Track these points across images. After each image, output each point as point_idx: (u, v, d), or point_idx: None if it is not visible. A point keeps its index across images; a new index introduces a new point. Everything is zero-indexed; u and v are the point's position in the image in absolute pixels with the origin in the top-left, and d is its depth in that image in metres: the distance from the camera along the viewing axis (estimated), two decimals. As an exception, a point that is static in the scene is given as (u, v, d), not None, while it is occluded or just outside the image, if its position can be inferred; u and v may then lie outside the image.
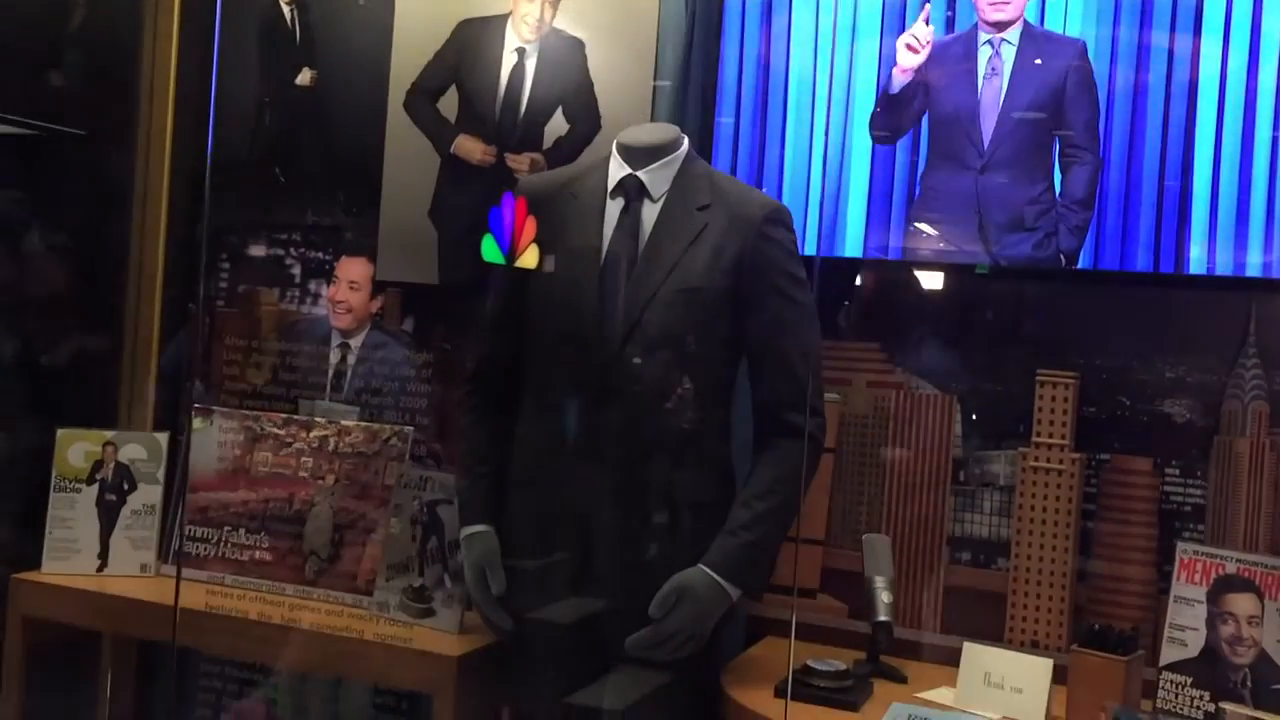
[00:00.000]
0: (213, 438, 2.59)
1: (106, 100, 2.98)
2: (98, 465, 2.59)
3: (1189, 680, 1.99)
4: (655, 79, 2.51)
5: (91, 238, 3.10)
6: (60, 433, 2.60)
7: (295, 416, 2.60)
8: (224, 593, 2.42)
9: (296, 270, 2.85)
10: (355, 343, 2.74)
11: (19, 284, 2.92)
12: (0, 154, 3.28)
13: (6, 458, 2.99)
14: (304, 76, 2.83)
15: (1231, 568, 2.00)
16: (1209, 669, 1.98)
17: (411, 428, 2.53)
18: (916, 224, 2.36)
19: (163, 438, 2.63)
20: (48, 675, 2.76)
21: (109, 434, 2.62)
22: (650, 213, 2.11)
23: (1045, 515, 2.28)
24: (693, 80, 2.50)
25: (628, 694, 2.16)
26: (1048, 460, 2.28)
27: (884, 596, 2.21)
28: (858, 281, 2.49)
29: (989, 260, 2.29)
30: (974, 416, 2.37)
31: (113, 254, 2.95)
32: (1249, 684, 1.93)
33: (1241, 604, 1.97)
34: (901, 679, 2.17)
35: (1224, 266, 2.15)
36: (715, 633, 2.09)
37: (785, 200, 2.34)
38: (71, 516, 2.56)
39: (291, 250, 2.85)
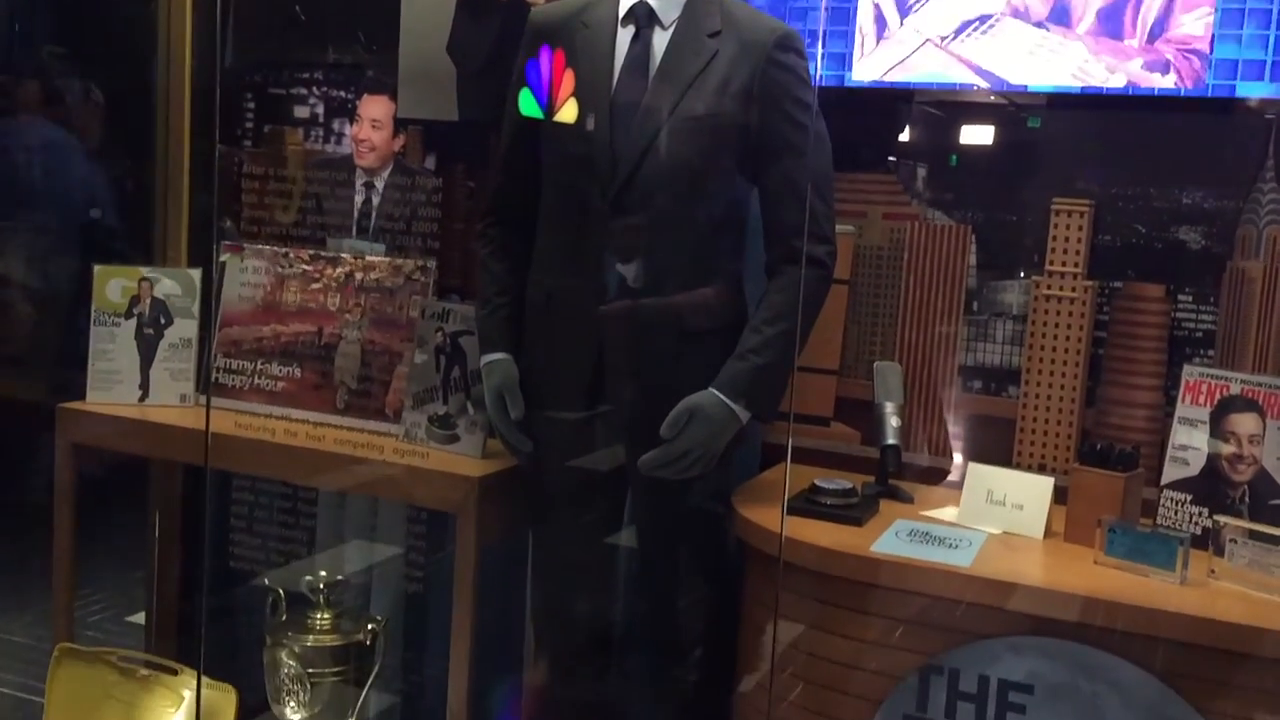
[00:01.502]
0: (243, 275, 2.66)
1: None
2: (134, 300, 2.68)
3: (1189, 498, 2.03)
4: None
5: (121, 86, 3.14)
6: (98, 269, 2.68)
7: (322, 253, 2.66)
8: (258, 422, 2.52)
9: (320, 109, 2.87)
10: (379, 180, 2.78)
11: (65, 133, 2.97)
12: (34, 10, 3.31)
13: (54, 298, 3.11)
14: (321, -89, 2.81)
15: (1236, 388, 2.02)
16: (1208, 487, 2.02)
17: (434, 262, 2.58)
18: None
19: (196, 274, 2.71)
20: (98, 501, 2.93)
21: (144, 270, 2.70)
22: (661, 40, 2.11)
23: (1056, 343, 2.30)
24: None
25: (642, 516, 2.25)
26: (1060, 288, 2.29)
27: (893, 421, 2.26)
28: (872, 112, 2.47)
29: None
30: (988, 247, 2.37)
31: (141, 100, 3.00)
32: (1247, 500, 1.97)
33: (1244, 423, 2.00)
34: (908, 499, 2.23)
35: (1245, 88, 2.11)
36: (726, 455, 2.16)
37: (797, 25, 2.31)
38: (112, 349, 2.66)
39: (314, 89, 2.87)
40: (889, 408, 2.27)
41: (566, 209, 2.18)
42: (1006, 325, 2.38)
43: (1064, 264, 2.29)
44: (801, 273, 2.06)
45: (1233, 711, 1.73)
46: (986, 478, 2.12)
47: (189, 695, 2.63)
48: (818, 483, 2.16)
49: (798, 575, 1.98)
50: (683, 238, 2.12)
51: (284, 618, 2.36)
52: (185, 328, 2.69)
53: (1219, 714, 1.73)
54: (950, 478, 2.40)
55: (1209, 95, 2.15)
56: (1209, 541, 1.92)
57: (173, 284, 2.70)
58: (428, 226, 2.71)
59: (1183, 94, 2.16)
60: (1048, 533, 2.05)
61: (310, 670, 2.29)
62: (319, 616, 2.35)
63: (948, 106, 2.41)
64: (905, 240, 2.43)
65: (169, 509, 2.92)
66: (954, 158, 2.42)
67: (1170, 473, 2.06)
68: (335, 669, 2.31)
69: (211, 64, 2.90)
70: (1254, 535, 1.88)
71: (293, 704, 2.30)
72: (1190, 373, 2.07)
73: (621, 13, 2.12)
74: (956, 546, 1.98)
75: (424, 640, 2.79)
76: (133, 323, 2.68)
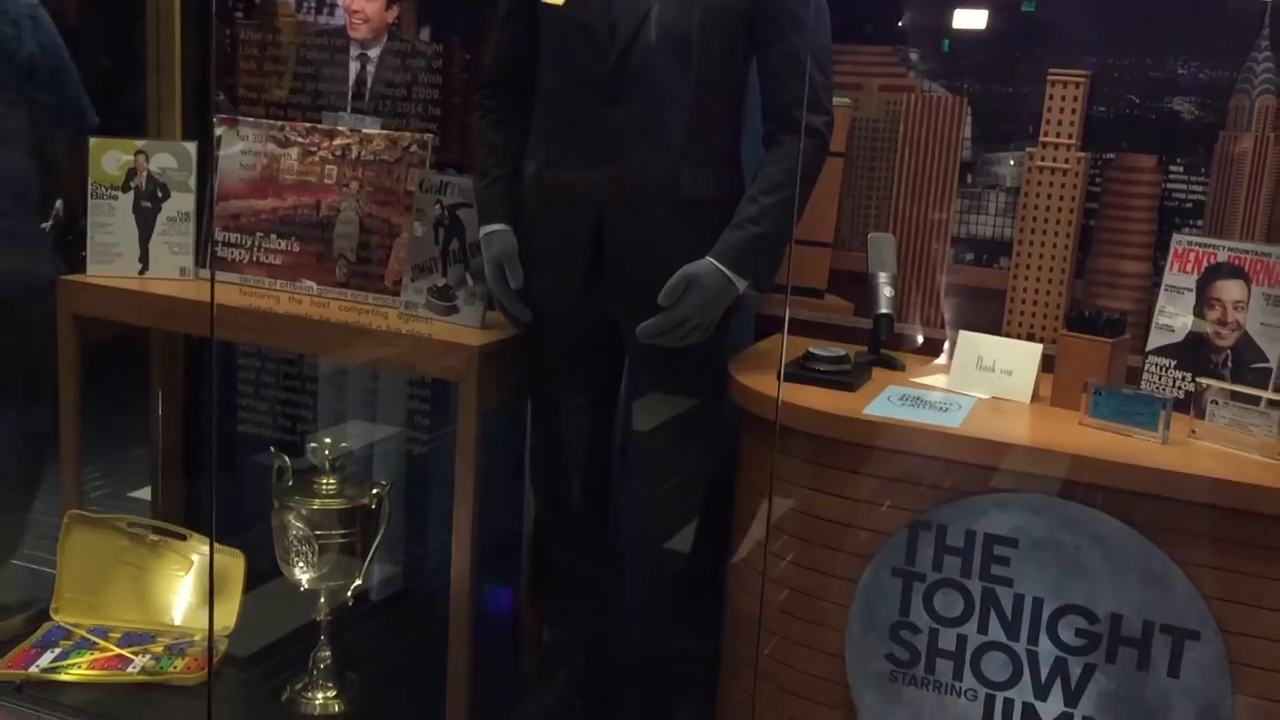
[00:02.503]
0: (239, 148, 2.66)
1: None
2: (131, 174, 2.68)
3: (1173, 363, 2.09)
4: None
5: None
6: (93, 141, 2.68)
7: (319, 126, 2.65)
8: (259, 293, 2.55)
9: (312, -21, 2.84)
10: (373, 53, 2.76)
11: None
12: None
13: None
14: None
15: (1223, 256, 2.06)
16: (1193, 352, 2.07)
17: (431, 134, 2.58)
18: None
19: (191, 147, 2.71)
20: (101, 373, 2.96)
21: (139, 143, 2.70)
22: (662, -95, 2.09)
23: (1049, 214, 2.33)
24: None
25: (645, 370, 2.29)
26: (1054, 160, 2.32)
27: (886, 291, 2.31)
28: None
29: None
30: (984, 119, 2.39)
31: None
32: (1229, 365, 2.03)
33: (1229, 290, 2.04)
34: (900, 367, 2.28)
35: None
36: (724, 323, 2.20)
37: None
38: (110, 222, 2.67)
39: (305, -41, 2.83)
40: (882, 278, 2.31)
41: (565, 78, 2.18)
42: (1000, 197, 2.40)
43: (1058, 135, 2.31)
44: (801, 143, 2.07)
45: (1208, 561, 1.81)
46: (976, 345, 2.17)
47: (197, 559, 2.71)
48: (812, 350, 2.20)
49: (793, 438, 2.04)
50: (681, 107, 2.13)
51: (290, 483, 2.42)
52: (182, 201, 2.70)
53: (1195, 564, 1.81)
54: (937, 341, 2.45)
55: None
56: (1190, 405, 1.99)
57: (169, 157, 2.70)
58: (427, 94, 2.70)
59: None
60: (1035, 397, 2.11)
61: (318, 533, 2.35)
62: (325, 481, 2.41)
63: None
64: (901, 112, 2.44)
65: (171, 383, 2.96)
66: (946, 40, 2.42)
67: (1155, 339, 2.11)
68: (342, 532, 2.38)
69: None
70: (1235, 397, 1.94)
71: (301, 564, 2.37)
72: (1179, 241, 2.11)
73: (622, -123, 2.10)
74: (946, 410, 2.04)
75: (426, 510, 2.87)
76: (130, 196, 2.68)
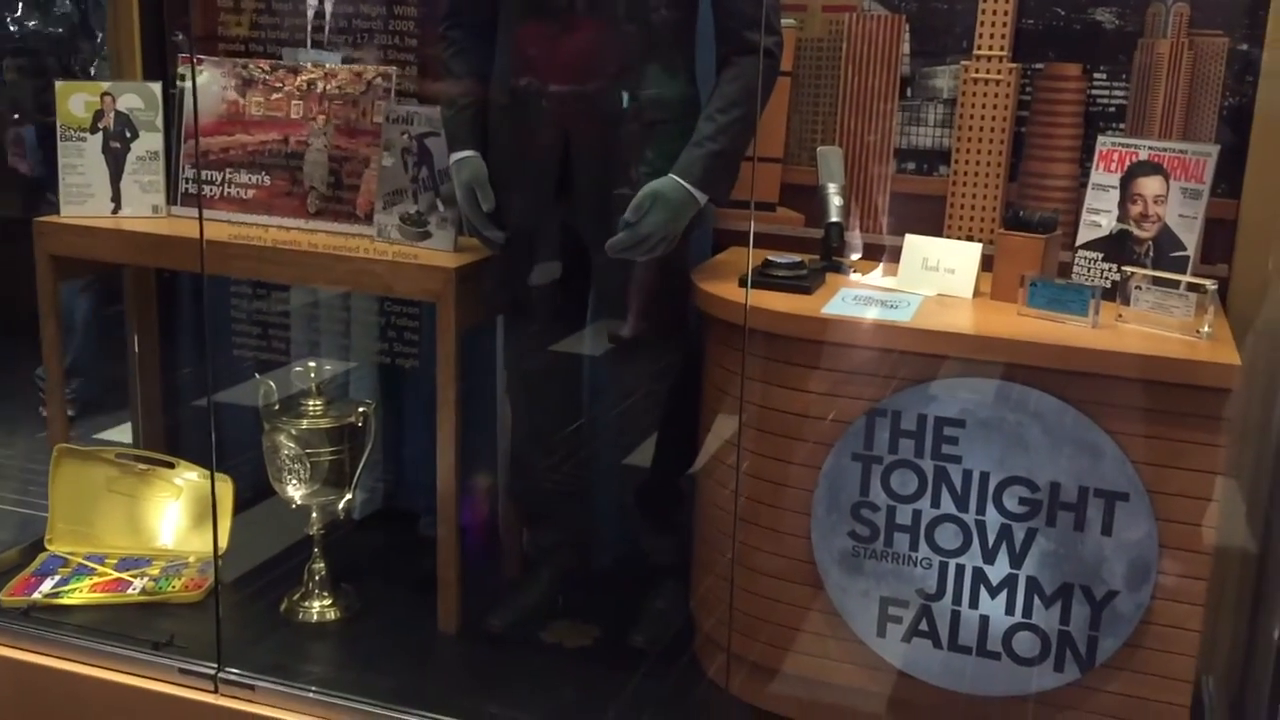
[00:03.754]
0: (204, 86, 2.73)
1: None
2: (99, 115, 2.74)
3: (1100, 256, 2.27)
4: None
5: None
6: (59, 85, 2.74)
7: (282, 63, 2.73)
8: (237, 229, 2.64)
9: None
10: (331, -12, 2.84)
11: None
12: None
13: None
14: None
15: (1143, 154, 2.24)
16: (1118, 245, 2.25)
17: (394, 68, 2.67)
18: None
19: (156, 87, 2.77)
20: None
21: (104, 85, 2.76)
22: None
23: (983, 123, 2.49)
24: None
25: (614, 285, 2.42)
26: (987, 71, 2.47)
27: (835, 200, 2.46)
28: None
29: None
30: (921, 35, 2.53)
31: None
32: (1151, 254, 2.22)
33: (1150, 185, 2.22)
34: (849, 273, 2.44)
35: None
36: (686, 236, 2.34)
37: None
38: (81, 164, 2.74)
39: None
40: (831, 188, 2.47)
41: (526, 5, 2.29)
42: (938, 109, 2.56)
43: (990, 48, 2.46)
44: (760, 63, 2.20)
45: (1134, 430, 2.00)
46: (921, 247, 2.34)
47: (185, 484, 2.82)
48: (770, 258, 2.35)
49: (755, 339, 2.20)
50: (639, 31, 2.25)
51: (277, 406, 2.53)
52: (151, 140, 2.77)
53: (1123, 434, 2.01)
54: (884, 247, 2.60)
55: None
56: (1117, 293, 2.17)
57: (134, 98, 2.76)
58: (395, 30, 2.78)
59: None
60: (977, 293, 2.28)
61: (308, 450, 2.48)
62: (312, 403, 2.53)
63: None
64: (844, 31, 2.58)
65: (145, 320, 3.04)
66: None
67: (1084, 234, 2.29)
68: (331, 449, 2.50)
69: None
70: (1157, 282, 2.13)
71: (294, 482, 2.50)
72: (1103, 142, 2.28)
73: None
74: (897, 307, 2.20)
75: (399, 430, 3.00)
76: (99, 137, 2.75)
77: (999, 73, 2.46)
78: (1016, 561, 2.10)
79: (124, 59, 2.92)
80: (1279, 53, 2.24)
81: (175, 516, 2.83)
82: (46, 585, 2.63)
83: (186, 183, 2.77)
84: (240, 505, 2.78)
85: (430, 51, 2.71)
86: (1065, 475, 2.04)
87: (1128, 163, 2.25)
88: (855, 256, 2.55)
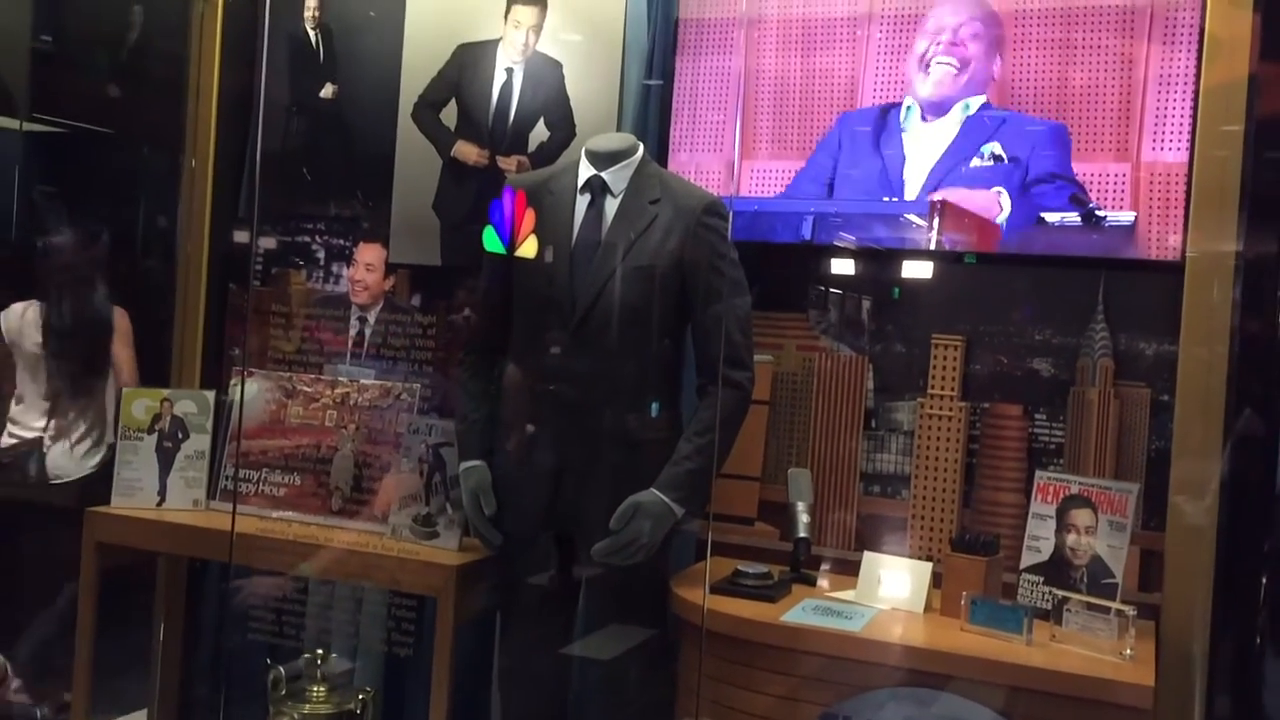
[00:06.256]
0: (252, 395, 3.09)
1: (158, 107, 3.51)
2: (156, 418, 3.09)
3: (1041, 579, 2.49)
4: (622, 93, 3.01)
5: (150, 227, 3.65)
6: (125, 391, 3.11)
7: (321, 376, 3.10)
8: (266, 523, 2.92)
9: (321, 254, 3.35)
10: (371, 315, 3.25)
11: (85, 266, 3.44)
12: (62, 155, 3.80)
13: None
14: (327, 90, 3.33)
15: (1075, 489, 2.49)
16: (1056, 570, 2.47)
17: (418, 384, 3.03)
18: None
19: (210, 395, 3.13)
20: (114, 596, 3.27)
21: (165, 391, 3.13)
22: (611, 206, 2.61)
23: (938, 454, 2.77)
24: (653, 93, 3.01)
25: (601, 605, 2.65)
26: (940, 409, 2.78)
27: (804, 518, 2.72)
28: (791, 263, 2.98)
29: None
30: (883, 374, 2.86)
31: (164, 241, 3.49)
32: (1085, 580, 2.43)
33: (1080, 517, 2.46)
34: (814, 583, 2.66)
35: (1077, 248, 2.64)
36: (665, 545, 2.59)
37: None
38: (135, 460, 3.06)
39: (316, 237, 3.36)
40: (800, 506, 2.73)
41: (534, 339, 2.65)
42: (899, 439, 2.85)
43: (942, 388, 2.78)
44: (736, 394, 2.52)
45: (1066, 744, 2.15)
46: (878, 563, 2.57)
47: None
48: (740, 568, 2.59)
49: (722, 642, 2.40)
50: (629, 363, 2.59)
51: (284, 692, 2.72)
52: (200, 441, 3.10)
53: (1056, 747, 2.16)
54: (850, 562, 2.82)
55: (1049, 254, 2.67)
56: (1054, 614, 2.37)
57: (190, 403, 3.12)
58: (420, 355, 3.17)
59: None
60: (927, 608, 2.49)
61: (309, 734, 2.65)
62: (315, 690, 2.72)
63: (847, 260, 2.92)
64: (815, 368, 2.91)
65: (173, 607, 3.28)
66: (855, 309, 2.93)
67: (1026, 559, 2.52)
68: (331, 734, 2.68)
69: (226, 211, 3.39)
70: (1090, 607, 2.33)
71: (295, 764, 2.66)
72: (1040, 476, 2.55)
73: (580, 183, 2.63)
74: (851, 618, 2.41)
75: (400, 714, 3.15)
76: (154, 437, 3.09)
77: (950, 410, 2.77)
78: None
79: (185, 368, 3.31)
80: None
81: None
82: None
83: (226, 480, 3.09)
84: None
85: (451, 371, 3.07)
86: (1002, 785, 2.18)
87: (1061, 495, 2.50)
88: (825, 568, 2.77)
